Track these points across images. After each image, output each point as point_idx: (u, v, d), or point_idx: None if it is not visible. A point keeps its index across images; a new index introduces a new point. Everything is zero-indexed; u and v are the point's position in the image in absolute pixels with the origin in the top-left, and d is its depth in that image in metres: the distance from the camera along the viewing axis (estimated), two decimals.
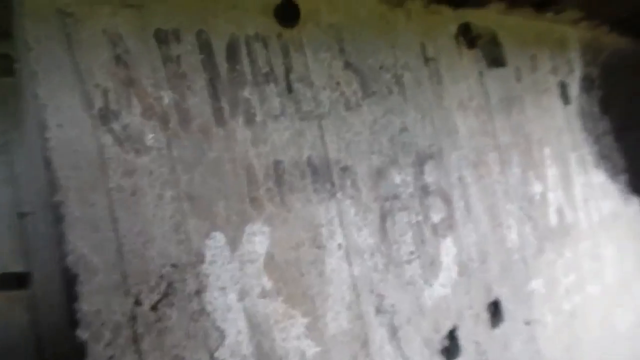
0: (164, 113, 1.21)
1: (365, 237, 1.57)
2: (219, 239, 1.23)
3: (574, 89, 2.91)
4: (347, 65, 1.68)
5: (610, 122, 3.16)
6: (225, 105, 1.34)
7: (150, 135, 1.17)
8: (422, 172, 1.82)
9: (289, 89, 1.49)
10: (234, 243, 1.26)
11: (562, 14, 2.70)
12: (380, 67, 1.78)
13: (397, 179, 1.72)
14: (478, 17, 2.27)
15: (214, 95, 1.32)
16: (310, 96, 1.54)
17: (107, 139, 1.10)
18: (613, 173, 3.04)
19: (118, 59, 1.15)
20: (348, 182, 1.57)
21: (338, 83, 1.63)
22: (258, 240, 1.31)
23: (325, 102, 1.58)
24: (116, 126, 1.12)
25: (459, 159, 1.98)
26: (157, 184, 1.16)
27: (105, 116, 1.11)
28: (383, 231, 1.62)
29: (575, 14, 2.76)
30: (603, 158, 3.00)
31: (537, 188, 2.35)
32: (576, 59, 2.99)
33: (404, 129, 1.80)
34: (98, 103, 1.11)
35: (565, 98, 2.81)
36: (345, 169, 1.57)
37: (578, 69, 2.99)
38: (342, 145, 1.58)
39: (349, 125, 1.63)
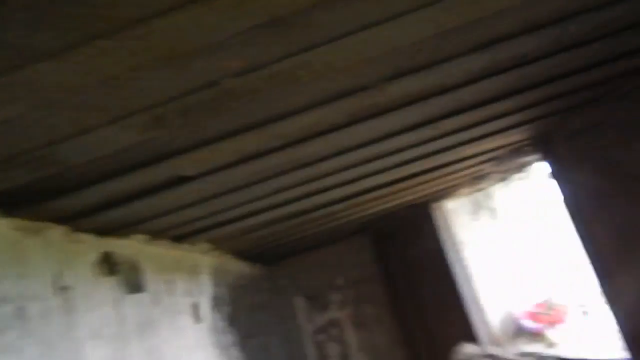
0: None
1: None
2: None
3: (205, 308, 3.36)
4: None
5: (237, 333, 3.72)
6: None
7: None
8: None
9: None
10: None
11: (195, 246, 3.26)
12: (1, 300, 1.63)
13: None
14: (121, 246, 2.47)
15: None
16: None
17: None
18: None
19: None
20: None
21: None
22: None
23: None
24: None
25: None
26: None
27: None
28: None
29: (206, 246, 3.40)
30: None
31: None
32: (207, 281, 3.54)
33: None
34: None
35: (197, 317, 3.19)
36: None
37: (208, 290, 3.52)
38: None
39: None
